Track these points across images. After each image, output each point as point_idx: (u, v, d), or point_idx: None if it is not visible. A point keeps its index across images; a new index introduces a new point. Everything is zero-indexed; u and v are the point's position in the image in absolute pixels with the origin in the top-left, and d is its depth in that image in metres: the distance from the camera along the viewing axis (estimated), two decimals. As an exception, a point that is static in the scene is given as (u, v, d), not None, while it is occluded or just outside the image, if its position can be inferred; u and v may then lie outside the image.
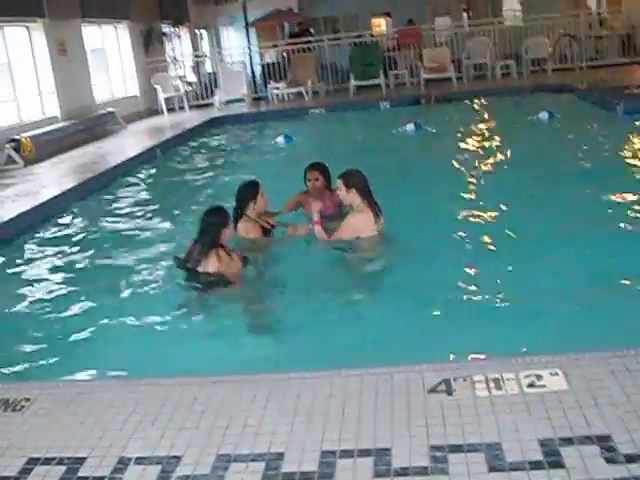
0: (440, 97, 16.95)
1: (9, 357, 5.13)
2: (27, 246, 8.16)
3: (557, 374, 3.37)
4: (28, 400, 3.75)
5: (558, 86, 16.78)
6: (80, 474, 3.04)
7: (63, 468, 3.10)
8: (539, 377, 3.36)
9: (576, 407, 3.09)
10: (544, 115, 13.15)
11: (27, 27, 15.38)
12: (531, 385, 3.30)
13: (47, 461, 3.16)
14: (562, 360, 3.51)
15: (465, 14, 24.98)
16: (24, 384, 4.13)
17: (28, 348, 5.24)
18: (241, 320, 5.48)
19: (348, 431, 3.12)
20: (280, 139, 13.84)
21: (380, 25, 30.41)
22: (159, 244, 7.49)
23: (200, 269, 5.55)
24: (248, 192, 6.45)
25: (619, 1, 23.23)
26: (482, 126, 13.78)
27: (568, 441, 2.86)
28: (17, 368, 4.91)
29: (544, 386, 3.29)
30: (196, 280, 5.60)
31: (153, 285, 6.21)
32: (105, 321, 5.55)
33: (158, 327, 5.29)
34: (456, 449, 2.90)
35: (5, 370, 4.88)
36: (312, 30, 27.23)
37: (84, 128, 15.98)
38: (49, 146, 14.23)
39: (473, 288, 5.41)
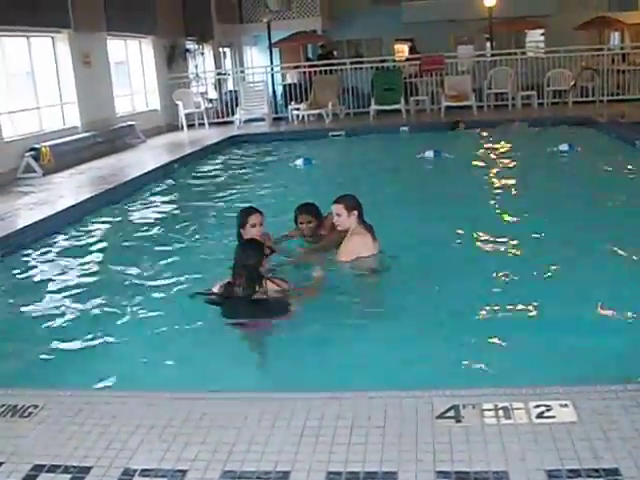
0: (469, 124, 16.86)
1: (20, 363, 5.15)
2: (42, 254, 8.20)
3: (567, 406, 3.35)
4: (36, 407, 3.76)
5: (578, 119, 16.76)
6: (85, 483, 3.04)
7: (68, 476, 3.10)
8: (548, 408, 3.34)
9: (585, 439, 3.08)
10: (564, 147, 13.12)
11: (52, 37, 15.51)
12: (540, 415, 3.29)
13: (52, 468, 3.17)
14: (572, 392, 3.50)
15: (488, 43, 25.01)
16: (33, 391, 4.13)
17: (39, 355, 5.26)
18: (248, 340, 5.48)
19: (355, 453, 3.12)
20: (299, 161, 13.84)
21: (403, 51, 30.53)
22: (173, 258, 7.53)
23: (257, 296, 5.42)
24: (240, 216, 6.45)
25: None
26: (502, 155, 13.76)
27: (575, 473, 2.84)
28: (27, 374, 4.93)
29: (553, 417, 3.28)
30: (248, 308, 5.46)
31: (168, 299, 6.22)
32: (115, 333, 5.56)
33: (172, 342, 5.29)
34: (463, 476, 2.89)
35: (15, 376, 4.90)
36: (335, 53, 27.39)
37: (104, 140, 16.10)
38: (68, 156, 14.33)
39: (485, 316, 5.41)
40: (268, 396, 3.84)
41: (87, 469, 3.14)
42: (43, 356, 5.25)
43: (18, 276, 7.46)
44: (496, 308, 5.54)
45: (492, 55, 21.98)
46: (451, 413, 3.36)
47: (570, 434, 3.13)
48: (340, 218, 6.28)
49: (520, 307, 5.53)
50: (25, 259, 8.03)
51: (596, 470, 2.85)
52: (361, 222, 6.29)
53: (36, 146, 13.58)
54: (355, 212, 6.24)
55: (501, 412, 3.34)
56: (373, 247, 6.29)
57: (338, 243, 6.41)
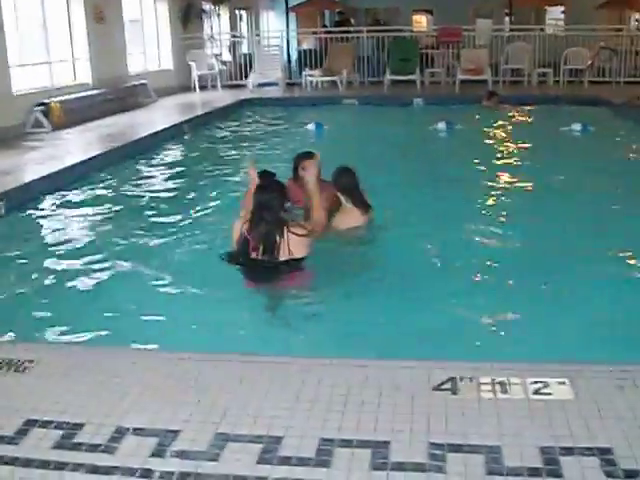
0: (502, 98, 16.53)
1: (19, 317, 5.15)
2: (47, 210, 8.20)
3: (564, 383, 3.33)
4: (32, 362, 3.74)
5: (594, 98, 16.61)
6: (76, 440, 3.02)
7: (60, 432, 3.08)
8: (546, 384, 3.32)
9: (580, 418, 3.05)
10: (577, 126, 13.01)
11: (66, -9, 15.39)
12: (537, 392, 3.27)
13: (44, 424, 3.15)
14: (570, 370, 3.48)
15: (507, 18, 24.78)
16: (29, 345, 4.13)
17: (43, 310, 5.25)
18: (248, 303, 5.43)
19: (349, 421, 3.10)
20: (311, 126, 13.81)
21: (421, 21, 30.30)
22: (182, 217, 7.57)
23: (280, 256, 5.20)
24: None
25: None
26: (513, 132, 13.67)
27: (569, 451, 2.82)
28: (25, 328, 4.93)
29: (550, 394, 3.25)
30: (274, 269, 5.27)
31: (177, 258, 6.23)
32: (122, 291, 5.58)
33: (182, 302, 5.27)
34: (456, 448, 2.86)
35: (12, 330, 4.89)
36: (352, 20, 27.20)
37: (115, 97, 15.99)
38: (78, 113, 14.23)
39: (486, 290, 5.38)
40: (264, 359, 3.82)
41: (79, 426, 3.12)
42: (46, 311, 5.23)
43: (23, 231, 7.45)
44: (497, 283, 5.52)
45: (510, 30, 21.77)
46: (448, 385, 3.34)
47: (566, 412, 3.11)
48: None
49: (520, 282, 5.50)
50: (31, 214, 8.02)
51: (589, 449, 2.83)
52: (350, 197, 6.27)
53: (46, 101, 13.50)
54: (339, 191, 6.26)
55: (498, 387, 3.31)
56: (360, 220, 6.26)
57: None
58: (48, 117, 13.34)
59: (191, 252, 6.32)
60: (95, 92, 15.47)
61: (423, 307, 4.98)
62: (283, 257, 5.21)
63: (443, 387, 3.33)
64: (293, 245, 5.21)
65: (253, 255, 5.26)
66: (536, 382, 3.34)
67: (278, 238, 5.19)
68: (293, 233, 5.23)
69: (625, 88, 18.38)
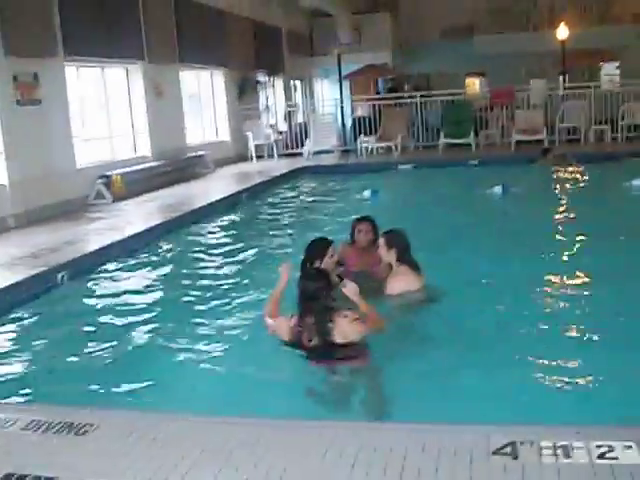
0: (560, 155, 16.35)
1: (81, 382, 5.23)
2: (106, 278, 8.33)
3: (631, 447, 3.21)
4: (92, 426, 3.77)
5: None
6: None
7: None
8: (611, 448, 3.20)
9: (648, 482, 2.94)
10: (637, 182, 12.79)
11: (126, 68, 15.85)
12: (602, 456, 3.15)
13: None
14: (637, 433, 3.35)
15: (561, 77, 24.76)
16: (89, 409, 4.17)
17: (101, 374, 5.41)
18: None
19: (406, 487, 3.03)
20: (366, 193, 13.79)
21: (474, 84, 30.39)
22: (239, 288, 7.61)
23: (336, 339, 5.05)
24: (317, 249, 6.21)
25: None
26: (571, 191, 13.52)
27: (637, 518, 2.71)
28: (87, 393, 5.04)
29: (616, 458, 3.13)
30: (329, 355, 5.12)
31: (232, 330, 6.25)
32: (178, 358, 5.64)
33: (236, 373, 5.26)
34: (517, 515, 2.78)
35: (75, 394, 4.97)
36: (406, 87, 27.40)
37: (174, 169, 16.35)
38: (138, 184, 14.58)
39: (543, 352, 5.25)
40: (323, 424, 3.78)
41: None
42: (104, 376, 5.36)
43: (82, 298, 7.60)
44: (554, 344, 5.41)
45: (565, 88, 21.71)
46: (508, 449, 3.25)
47: (633, 477, 2.99)
48: (381, 251, 6.38)
49: (581, 344, 5.40)
50: (91, 282, 8.17)
51: (659, 515, 2.72)
52: (402, 259, 6.27)
53: (107, 174, 13.86)
54: (393, 250, 6.27)
55: (560, 450, 3.21)
56: (416, 283, 6.23)
57: (384, 276, 6.41)
58: (110, 189, 13.67)
59: (245, 324, 6.33)
60: (154, 164, 15.84)
61: (483, 371, 4.89)
62: (339, 340, 5.08)
63: (503, 451, 3.24)
64: (347, 329, 5.08)
65: (309, 344, 5.16)
66: (601, 446, 3.22)
67: (330, 324, 5.08)
68: (344, 317, 5.11)
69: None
